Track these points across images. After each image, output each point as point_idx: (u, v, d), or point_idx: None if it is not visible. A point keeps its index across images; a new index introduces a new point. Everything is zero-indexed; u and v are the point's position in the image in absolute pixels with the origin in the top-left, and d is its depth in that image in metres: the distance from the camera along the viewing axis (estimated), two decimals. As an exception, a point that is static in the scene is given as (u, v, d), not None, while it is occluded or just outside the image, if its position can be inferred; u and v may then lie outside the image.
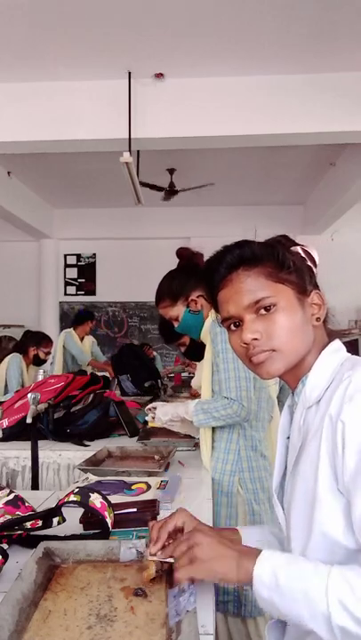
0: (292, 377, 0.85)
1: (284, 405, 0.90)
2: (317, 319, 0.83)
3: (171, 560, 0.81)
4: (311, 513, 0.72)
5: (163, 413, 1.76)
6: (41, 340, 4.03)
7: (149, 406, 1.82)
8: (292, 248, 0.88)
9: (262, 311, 0.81)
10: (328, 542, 0.70)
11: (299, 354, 0.82)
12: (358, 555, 0.67)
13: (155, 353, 6.29)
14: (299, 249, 0.89)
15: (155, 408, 1.78)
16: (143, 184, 5.06)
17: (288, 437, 0.86)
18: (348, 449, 0.67)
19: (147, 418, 1.82)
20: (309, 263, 0.89)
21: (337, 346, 0.84)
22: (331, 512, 0.70)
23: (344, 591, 0.61)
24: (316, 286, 0.87)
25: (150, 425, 1.82)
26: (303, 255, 0.89)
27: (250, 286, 0.81)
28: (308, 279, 0.85)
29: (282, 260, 0.82)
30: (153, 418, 1.77)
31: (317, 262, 0.91)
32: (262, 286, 0.81)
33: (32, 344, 3.99)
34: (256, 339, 0.80)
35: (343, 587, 0.62)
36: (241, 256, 0.83)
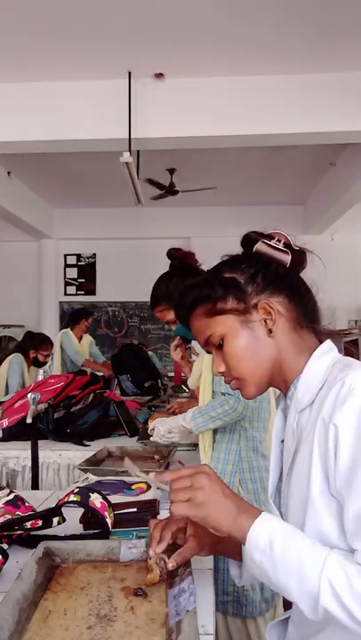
0: (282, 383, 0.85)
1: (278, 408, 0.90)
2: (270, 331, 0.82)
3: (170, 566, 0.82)
4: (304, 514, 0.72)
5: (161, 423, 1.76)
6: (41, 342, 4.02)
7: (151, 427, 1.82)
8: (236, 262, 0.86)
9: (218, 346, 0.86)
10: (321, 540, 0.69)
11: (261, 373, 0.84)
12: (354, 556, 0.66)
13: (150, 352, 6.30)
14: (260, 245, 0.87)
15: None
16: (148, 180, 5.05)
17: (282, 441, 0.86)
18: (340, 452, 0.67)
19: (151, 437, 1.81)
20: (277, 254, 0.86)
21: (327, 347, 0.83)
22: (324, 516, 0.70)
23: (338, 577, 0.62)
24: (272, 284, 0.84)
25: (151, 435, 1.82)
26: (267, 250, 0.86)
27: (198, 328, 0.88)
28: (256, 288, 0.83)
29: (214, 295, 0.84)
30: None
31: (294, 244, 0.88)
32: (205, 325, 0.86)
33: (32, 346, 3.98)
34: (221, 372, 0.87)
35: (338, 572, 0.63)
36: (186, 305, 0.88)
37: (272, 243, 0.87)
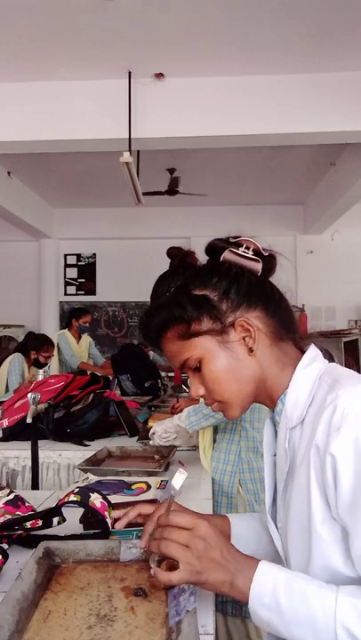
0: (267, 399, 0.82)
1: (266, 419, 0.86)
2: (250, 350, 0.78)
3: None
4: (309, 543, 0.70)
5: (158, 425, 1.76)
6: (42, 344, 4.02)
7: (151, 432, 1.81)
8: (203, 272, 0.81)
9: (195, 369, 0.80)
10: (329, 572, 0.68)
11: (245, 394, 0.79)
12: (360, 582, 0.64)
13: (151, 352, 6.29)
14: (228, 255, 0.80)
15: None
16: (145, 193, 5.05)
17: (275, 454, 0.82)
18: (341, 483, 0.65)
19: (151, 443, 1.80)
20: (247, 263, 0.80)
21: (310, 357, 0.79)
22: (328, 544, 0.68)
23: (352, 620, 0.60)
24: (247, 298, 0.78)
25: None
26: (236, 260, 0.80)
27: (172, 351, 0.81)
28: (230, 304, 0.78)
29: (188, 316, 0.78)
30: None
31: (263, 249, 0.81)
32: (180, 348, 0.80)
33: (33, 347, 3.99)
34: (201, 395, 0.81)
35: (352, 615, 0.60)
36: (154, 327, 0.82)
37: (241, 251, 0.80)
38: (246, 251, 0.80)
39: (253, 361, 0.79)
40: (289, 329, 0.82)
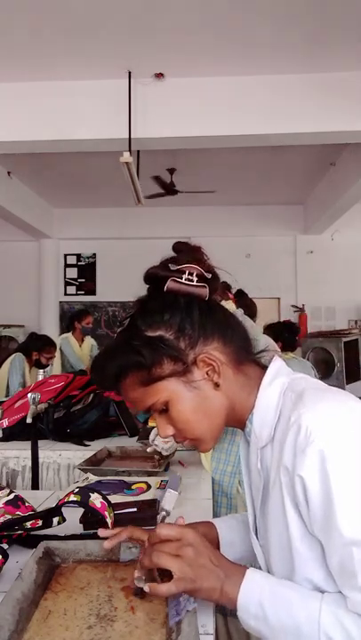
0: (237, 423, 0.80)
1: (241, 438, 0.85)
2: (216, 385, 0.75)
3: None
4: (291, 560, 0.70)
5: (156, 434, 1.75)
6: (44, 345, 4.02)
7: (152, 438, 1.79)
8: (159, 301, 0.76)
9: (162, 411, 0.77)
10: (312, 586, 0.69)
11: (216, 427, 0.78)
12: (346, 602, 0.64)
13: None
14: (172, 284, 0.76)
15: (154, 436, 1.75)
16: (154, 177, 5.02)
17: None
18: (312, 504, 0.65)
19: (148, 450, 1.78)
20: (194, 290, 0.76)
21: (272, 374, 0.77)
22: (309, 561, 0.68)
23: (336, 631, 0.62)
24: (203, 330, 0.75)
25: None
26: (181, 289, 0.76)
27: (134, 398, 0.77)
28: (188, 341, 0.74)
29: (147, 362, 0.73)
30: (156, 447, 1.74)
31: (205, 272, 0.78)
32: (143, 394, 0.75)
33: (35, 348, 3.99)
34: (170, 435, 0.79)
35: (336, 627, 0.62)
36: (111, 374, 0.76)
37: (185, 279, 0.76)
38: (190, 277, 0.76)
39: (220, 394, 0.76)
40: (247, 350, 0.80)
